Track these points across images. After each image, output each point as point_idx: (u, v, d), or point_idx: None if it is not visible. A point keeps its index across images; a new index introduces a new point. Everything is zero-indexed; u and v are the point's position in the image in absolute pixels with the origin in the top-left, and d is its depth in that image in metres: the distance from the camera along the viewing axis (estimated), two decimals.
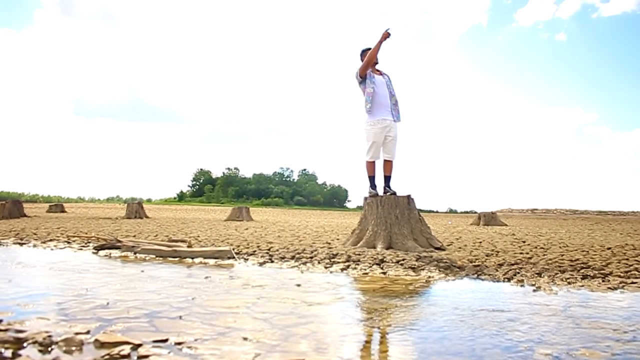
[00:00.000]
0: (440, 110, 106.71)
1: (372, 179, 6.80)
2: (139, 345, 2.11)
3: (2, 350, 1.93)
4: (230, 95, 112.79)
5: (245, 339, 2.31)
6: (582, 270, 4.76)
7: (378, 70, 6.85)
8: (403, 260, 5.22)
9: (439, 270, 4.82)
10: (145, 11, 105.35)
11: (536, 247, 6.98)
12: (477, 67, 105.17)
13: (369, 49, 6.81)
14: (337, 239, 7.81)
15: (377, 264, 5.11)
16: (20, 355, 1.95)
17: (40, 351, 2.04)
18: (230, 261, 5.51)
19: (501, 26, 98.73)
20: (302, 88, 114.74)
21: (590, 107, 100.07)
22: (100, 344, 2.12)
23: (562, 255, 5.90)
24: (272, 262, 5.46)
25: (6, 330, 2.30)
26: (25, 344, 2.10)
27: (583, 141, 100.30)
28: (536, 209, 48.61)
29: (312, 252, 5.88)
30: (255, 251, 6.14)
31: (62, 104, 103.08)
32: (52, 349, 2.06)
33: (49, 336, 2.18)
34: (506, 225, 17.00)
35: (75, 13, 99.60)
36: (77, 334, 2.26)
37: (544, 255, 5.91)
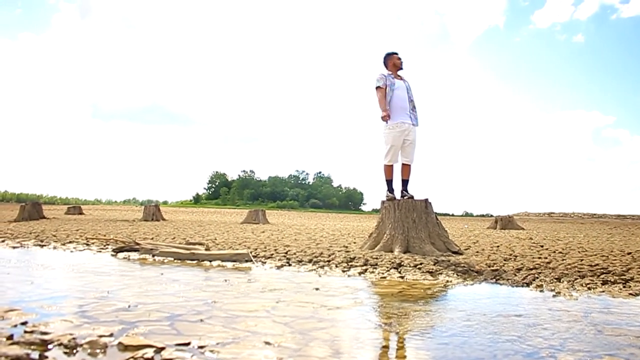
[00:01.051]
0: (456, 112, 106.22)
1: (389, 182, 6.80)
2: (162, 348, 2.13)
3: (30, 351, 1.96)
4: (246, 98, 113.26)
5: (267, 343, 2.33)
6: (602, 276, 4.72)
7: (399, 76, 6.85)
8: (421, 264, 5.21)
9: (457, 275, 4.80)
10: (161, 16, 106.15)
11: (554, 252, 6.92)
12: (493, 70, 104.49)
13: (394, 53, 6.89)
14: (354, 243, 7.80)
15: (394, 268, 5.10)
16: (47, 357, 1.98)
17: (65, 353, 2.07)
18: (248, 264, 5.54)
19: (518, 28, 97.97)
20: (318, 91, 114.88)
21: (608, 110, 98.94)
22: (124, 347, 2.15)
23: (581, 260, 5.85)
24: (290, 265, 5.48)
25: (32, 332, 2.34)
26: (50, 346, 2.13)
27: (601, 144, 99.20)
28: (553, 213, 48.23)
29: (329, 256, 5.88)
30: (272, 254, 6.16)
31: (80, 107, 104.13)
32: (76, 351, 2.09)
33: (74, 338, 2.21)
34: (523, 229, 16.87)
35: (93, 17, 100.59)
36: (100, 336, 2.29)
37: (563, 260, 5.86)
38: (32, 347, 2.11)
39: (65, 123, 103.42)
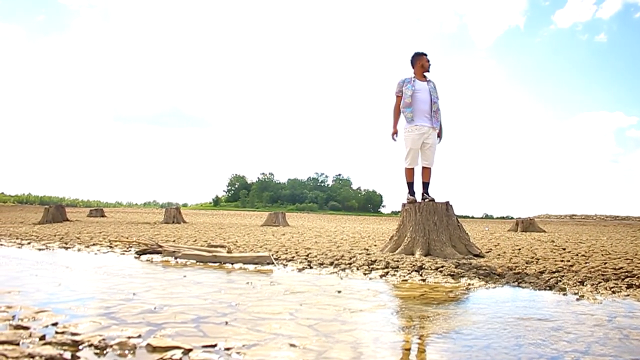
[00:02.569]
0: (477, 114, 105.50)
1: (410, 185, 6.80)
2: (190, 350, 2.17)
3: (62, 351, 2.01)
4: (265, 101, 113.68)
5: (292, 345, 2.36)
6: (626, 279, 4.67)
7: (424, 77, 6.83)
8: (442, 267, 5.20)
9: (479, 278, 4.79)
10: (180, 21, 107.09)
11: (577, 255, 6.86)
12: (513, 71, 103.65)
13: (423, 54, 6.87)
14: (375, 245, 7.81)
15: (416, 271, 5.11)
16: (79, 358, 2.03)
17: (96, 354, 2.12)
18: (270, 267, 5.58)
19: (539, 28, 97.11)
20: (338, 93, 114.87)
21: (632, 110, 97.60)
22: (153, 348, 2.19)
23: (605, 263, 5.80)
24: (311, 268, 5.51)
25: (63, 332, 2.39)
26: (81, 347, 2.18)
27: (624, 145, 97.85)
28: (575, 215, 47.67)
29: (350, 259, 5.90)
30: (294, 257, 6.19)
31: (101, 110, 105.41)
32: (107, 352, 2.14)
33: (103, 339, 2.26)
34: (544, 231, 16.71)
35: (113, 22, 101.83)
36: (129, 337, 2.34)
37: (586, 263, 5.81)
38: (64, 347, 2.16)
39: (86, 126, 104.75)
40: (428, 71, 6.84)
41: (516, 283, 4.61)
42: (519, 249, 7.73)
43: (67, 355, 2.00)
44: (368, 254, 6.28)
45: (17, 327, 2.48)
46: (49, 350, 2.00)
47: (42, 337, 2.25)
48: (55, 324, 2.59)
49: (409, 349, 2.45)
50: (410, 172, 6.80)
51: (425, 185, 6.79)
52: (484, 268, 5.18)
